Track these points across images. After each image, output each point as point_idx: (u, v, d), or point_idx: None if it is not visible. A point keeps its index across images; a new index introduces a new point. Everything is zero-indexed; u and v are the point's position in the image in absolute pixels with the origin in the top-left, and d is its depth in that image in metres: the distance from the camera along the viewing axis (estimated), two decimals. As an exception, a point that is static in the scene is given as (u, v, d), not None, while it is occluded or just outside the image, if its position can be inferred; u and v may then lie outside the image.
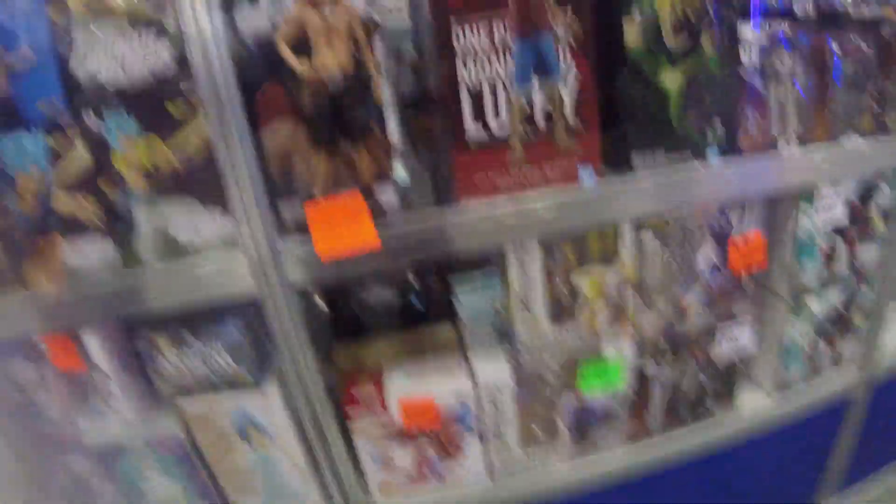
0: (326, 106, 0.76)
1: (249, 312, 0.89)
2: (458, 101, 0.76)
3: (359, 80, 0.76)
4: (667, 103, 0.83)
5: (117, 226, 0.81)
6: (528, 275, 0.88)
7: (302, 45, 0.75)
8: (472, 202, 0.80)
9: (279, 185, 0.80)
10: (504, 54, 0.76)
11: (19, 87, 0.78)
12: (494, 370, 0.95)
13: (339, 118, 0.77)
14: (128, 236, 0.81)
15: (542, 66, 0.77)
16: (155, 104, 0.75)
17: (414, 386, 0.95)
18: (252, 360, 0.90)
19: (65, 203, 0.81)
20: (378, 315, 1.08)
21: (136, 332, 0.90)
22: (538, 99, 0.78)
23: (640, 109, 0.82)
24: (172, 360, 0.90)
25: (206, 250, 0.81)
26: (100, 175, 0.79)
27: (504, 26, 0.75)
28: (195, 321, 0.87)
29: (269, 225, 0.78)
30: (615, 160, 0.84)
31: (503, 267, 0.89)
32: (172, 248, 0.81)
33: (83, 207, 0.81)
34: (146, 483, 1.00)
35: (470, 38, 0.75)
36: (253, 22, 0.76)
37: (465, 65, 0.75)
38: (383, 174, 0.81)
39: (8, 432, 0.98)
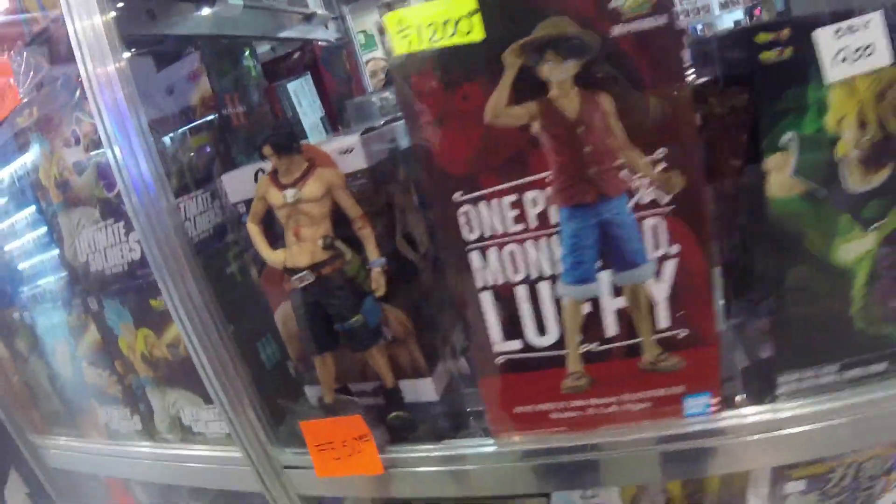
0: (310, 305, 0.58)
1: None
2: (478, 312, 0.52)
3: (342, 277, 0.57)
4: (844, 291, 0.48)
5: (137, 403, 0.76)
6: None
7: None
8: (514, 438, 0.57)
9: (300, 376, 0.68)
10: (547, 240, 0.49)
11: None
12: None
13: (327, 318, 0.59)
14: (149, 414, 0.76)
15: (613, 252, 0.48)
16: (141, 298, 0.66)
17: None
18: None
19: (90, 375, 0.79)
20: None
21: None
22: (609, 303, 0.50)
23: (797, 304, 0.49)
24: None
25: (214, 443, 0.72)
26: (111, 355, 0.74)
27: (544, 196, 0.48)
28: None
29: (267, 431, 0.66)
30: (748, 381, 0.52)
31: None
32: (187, 434, 0.74)
33: (107, 382, 0.78)
34: None
35: (486, 218, 0.50)
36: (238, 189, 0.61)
37: (483, 258, 0.51)
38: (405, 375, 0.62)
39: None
